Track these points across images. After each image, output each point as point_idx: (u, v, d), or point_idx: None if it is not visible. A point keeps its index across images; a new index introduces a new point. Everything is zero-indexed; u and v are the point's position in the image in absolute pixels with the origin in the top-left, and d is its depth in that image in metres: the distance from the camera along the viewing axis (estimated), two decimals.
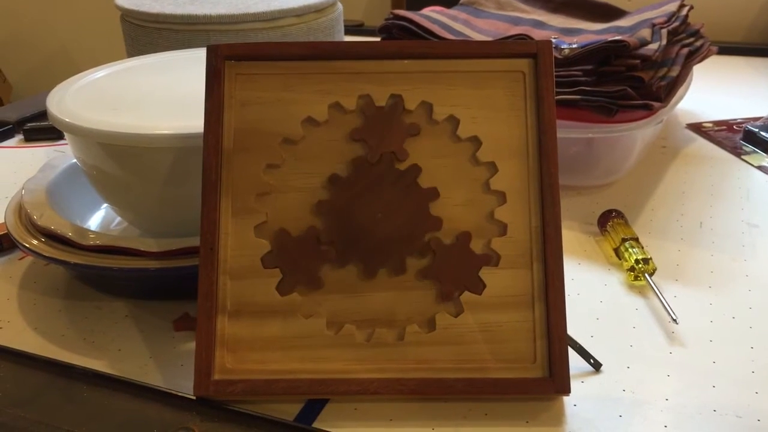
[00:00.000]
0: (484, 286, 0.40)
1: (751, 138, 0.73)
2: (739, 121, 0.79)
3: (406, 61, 0.43)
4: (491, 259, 0.40)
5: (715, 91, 0.89)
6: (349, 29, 1.05)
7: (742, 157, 0.71)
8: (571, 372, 0.39)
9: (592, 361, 0.42)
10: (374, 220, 0.41)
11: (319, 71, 0.43)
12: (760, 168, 0.68)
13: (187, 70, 0.57)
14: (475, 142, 0.42)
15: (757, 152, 0.71)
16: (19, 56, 1.73)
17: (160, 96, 0.52)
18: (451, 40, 0.68)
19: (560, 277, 0.40)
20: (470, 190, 0.42)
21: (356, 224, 0.41)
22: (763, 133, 0.72)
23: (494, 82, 0.42)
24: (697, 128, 0.78)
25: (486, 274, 0.40)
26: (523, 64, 0.42)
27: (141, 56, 0.60)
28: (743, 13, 1.10)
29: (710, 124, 0.79)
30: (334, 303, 0.41)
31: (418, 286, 0.41)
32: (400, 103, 0.42)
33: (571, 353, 0.40)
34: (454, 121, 0.42)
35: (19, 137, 0.81)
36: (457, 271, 0.41)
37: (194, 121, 0.45)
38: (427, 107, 0.42)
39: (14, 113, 0.85)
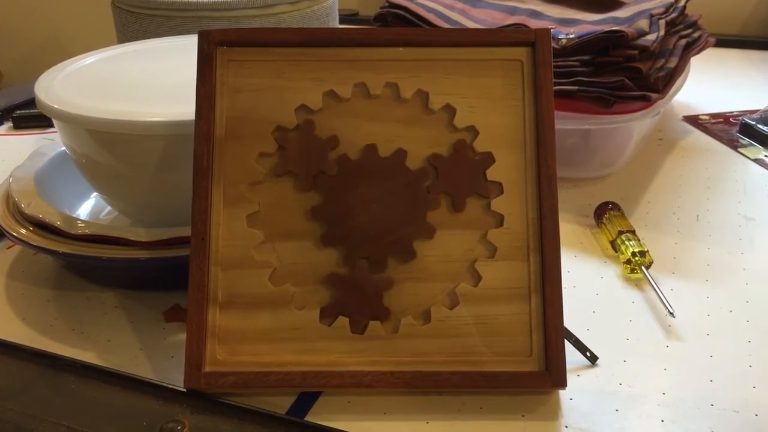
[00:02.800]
0: (480, 278, 0.40)
1: (747, 131, 0.73)
2: (735, 113, 0.79)
3: (402, 49, 0.42)
4: (489, 160, 0.40)
5: (711, 84, 0.89)
6: (344, 18, 1.04)
7: (739, 149, 0.70)
8: (567, 365, 0.38)
9: (588, 354, 0.41)
10: (372, 212, 0.41)
11: (313, 58, 0.42)
12: (756, 161, 0.68)
13: (178, 56, 0.56)
14: (472, 131, 0.41)
15: (754, 145, 0.71)
16: (9, 43, 1.71)
17: (151, 83, 0.51)
18: (448, 28, 0.67)
19: (557, 269, 0.39)
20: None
21: (355, 221, 0.41)
22: (760, 126, 0.72)
23: (492, 71, 0.42)
24: (693, 120, 0.78)
25: (482, 266, 0.40)
26: (521, 53, 0.42)
27: (131, 42, 0.59)
28: (740, 5, 1.10)
29: (707, 117, 0.79)
30: (327, 294, 0.40)
31: (412, 279, 0.40)
32: (489, 159, 0.41)
33: (567, 346, 0.39)
34: (450, 111, 0.41)
35: (7, 125, 0.80)
36: (463, 178, 0.40)
37: (185, 108, 0.44)
38: (423, 96, 0.41)
39: (3, 100, 0.84)
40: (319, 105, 0.41)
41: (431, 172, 0.41)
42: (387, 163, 0.41)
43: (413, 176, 0.41)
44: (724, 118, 0.78)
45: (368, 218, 0.41)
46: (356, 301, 0.40)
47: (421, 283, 0.40)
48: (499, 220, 0.40)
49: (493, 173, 0.41)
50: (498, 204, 0.40)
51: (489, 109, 0.41)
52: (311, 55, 0.42)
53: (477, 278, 0.40)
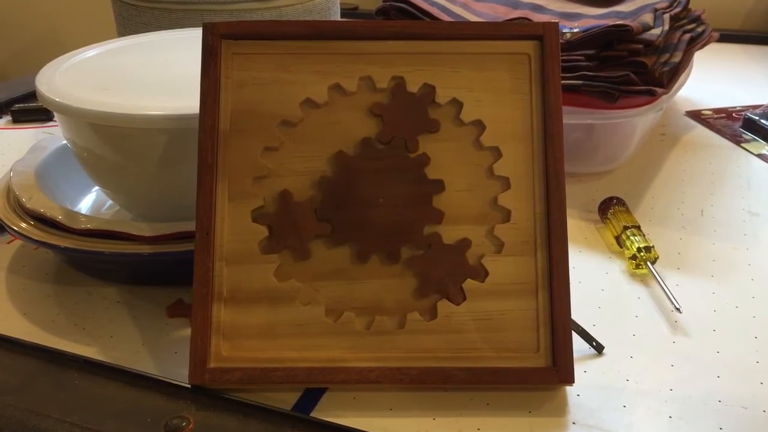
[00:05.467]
0: (487, 273, 0.39)
1: (751, 126, 0.72)
2: (738, 108, 0.79)
3: (408, 42, 0.41)
4: (480, 273, 0.39)
5: (713, 79, 0.88)
6: (344, 13, 1.03)
7: (742, 144, 0.70)
8: (574, 360, 0.38)
9: (594, 343, 0.41)
10: (375, 205, 0.40)
11: (318, 51, 0.41)
12: (760, 156, 0.68)
13: (181, 49, 0.55)
14: (479, 125, 0.41)
15: (757, 140, 0.71)
16: (6, 37, 1.70)
17: (154, 76, 0.50)
18: (455, 21, 0.67)
19: (565, 264, 0.39)
20: (473, 175, 0.41)
21: (357, 205, 0.40)
22: (763, 121, 0.72)
23: (499, 65, 0.41)
24: (696, 116, 0.77)
25: (489, 261, 0.40)
26: (529, 46, 0.41)
27: (133, 35, 0.59)
28: (741, 0, 1.09)
29: (709, 112, 0.78)
30: (332, 290, 0.40)
31: (419, 273, 0.40)
32: (431, 93, 0.41)
33: (573, 340, 0.39)
34: (457, 105, 0.41)
35: (6, 118, 0.79)
36: (444, 273, 0.40)
37: (189, 102, 0.43)
38: (430, 90, 0.41)
39: (2, 94, 0.83)
40: (324, 98, 0.41)
41: (379, 122, 0.40)
42: (409, 164, 0.40)
43: (413, 163, 0.40)
44: (727, 114, 0.78)
45: (369, 210, 0.40)
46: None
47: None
48: (506, 215, 0.40)
49: (500, 168, 0.40)
50: (505, 198, 0.40)
51: (496, 102, 0.41)
52: (317, 48, 0.41)
53: (484, 274, 0.40)
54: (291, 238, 0.40)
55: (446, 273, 0.39)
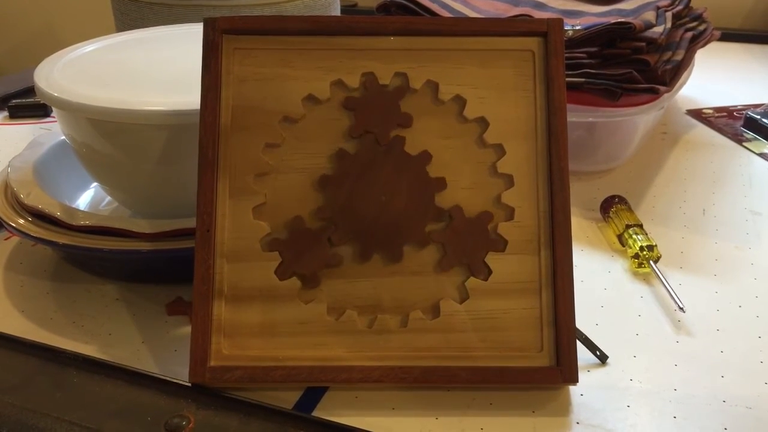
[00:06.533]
0: (490, 272, 0.39)
1: (752, 125, 0.72)
2: (739, 107, 0.78)
3: (411, 38, 0.41)
4: (500, 244, 0.39)
5: (714, 78, 0.88)
6: (342, 10, 1.03)
7: (744, 144, 0.70)
8: (578, 359, 0.38)
9: (598, 353, 0.41)
10: (377, 203, 0.40)
11: (320, 47, 0.41)
12: (761, 155, 0.68)
13: (181, 45, 0.55)
14: (482, 123, 0.40)
15: (759, 139, 0.71)
16: (2, 32, 1.69)
17: (153, 71, 0.50)
18: (459, 17, 0.66)
19: (569, 263, 0.39)
20: (477, 172, 0.40)
21: (358, 204, 0.40)
22: (764, 120, 0.71)
23: (502, 62, 0.41)
24: (697, 114, 0.77)
25: (492, 259, 0.39)
26: (533, 43, 0.41)
27: (133, 30, 0.58)
28: None
29: (710, 111, 0.78)
30: (334, 288, 0.39)
31: (421, 272, 0.39)
32: (404, 87, 0.40)
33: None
34: (460, 102, 0.41)
35: (3, 114, 0.78)
36: (466, 246, 0.39)
37: (189, 98, 0.43)
38: (433, 86, 0.41)
39: None
40: (326, 95, 0.41)
41: (349, 115, 0.40)
42: (410, 162, 0.40)
43: (430, 184, 0.40)
44: (728, 112, 0.77)
45: (371, 208, 0.40)
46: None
47: (430, 276, 0.39)
48: (510, 213, 0.40)
49: (503, 165, 0.40)
50: (509, 196, 0.40)
51: (500, 99, 0.40)
52: (319, 43, 0.41)
53: (487, 272, 0.39)
54: (302, 266, 0.39)
55: (469, 245, 0.39)
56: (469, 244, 0.39)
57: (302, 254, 0.39)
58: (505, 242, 0.39)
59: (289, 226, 0.39)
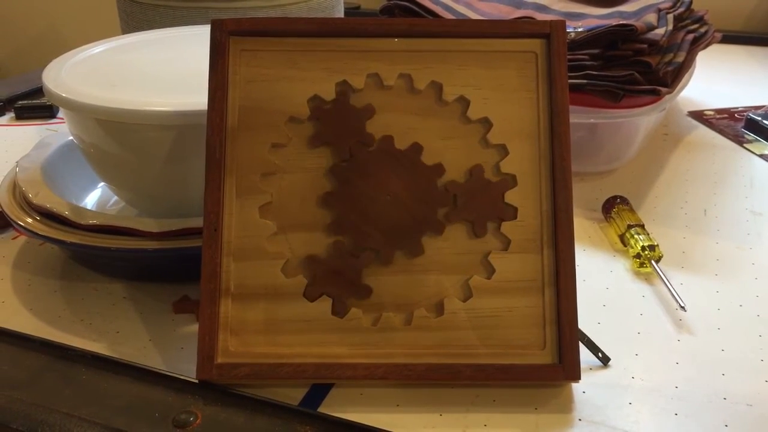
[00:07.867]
0: (493, 270, 0.40)
1: (753, 126, 0.73)
2: (740, 109, 0.79)
3: (416, 40, 0.41)
4: (508, 183, 0.40)
5: (715, 80, 0.89)
6: (346, 12, 1.03)
7: (745, 145, 0.70)
8: (580, 357, 0.38)
9: (600, 355, 0.41)
10: (382, 202, 0.40)
11: (326, 48, 0.41)
12: (762, 156, 0.68)
13: (188, 46, 0.55)
14: (486, 123, 0.41)
15: (760, 141, 0.71)
16: (6, 34, 1.70)
17: (160, 72, 0.50)
18: (462, 19, 0.67)
19: (571, 262, 0.39)
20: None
21: (364, 203, 0.40)
22: (765, 122, 0.72)
23: (506, 63, 0.41)
24: (698, 116, 0.78)
25: (495, 258, 0.40)
26: (536, 45, 0.41)
27: (140, 32, 0.59)
28: (743, 0, 1.10)
29: (711, 112, 0.79)
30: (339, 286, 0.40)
31: (426, 270, 0.40)
32: (370, 110, 0.41)
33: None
34: (464, 102, 0.41)
35: (10, 115, 0.79)
36: (483, 203, 0.40)
37: (196, 98, 0.43)
38: (437, 87, 0.41)
39: (5, 91, 0.83)
40: (332, 95, 0.41)
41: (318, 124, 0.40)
42: (402, 157, 0.40)
43: (428, 172, 0.40)
44: (729, 114, 0.78)
45: (379, 210, 0.40)
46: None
47: (434, 275, 0.40)
48: (513, 213, 0.40)
49: (506, 165, 0.40)
50: (511, 196, 0.40)
51: (503, 100, 0.41)
52: (324, 45, 0.41)
53: (490, 271, 0.40)
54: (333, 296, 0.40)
55: (481, 205, 0.40)
56: (481, 204, 0.40)
57: (330, 286, 0.40)
58: (515, 210, 0.40)
59: (305, 264, 0.40)
